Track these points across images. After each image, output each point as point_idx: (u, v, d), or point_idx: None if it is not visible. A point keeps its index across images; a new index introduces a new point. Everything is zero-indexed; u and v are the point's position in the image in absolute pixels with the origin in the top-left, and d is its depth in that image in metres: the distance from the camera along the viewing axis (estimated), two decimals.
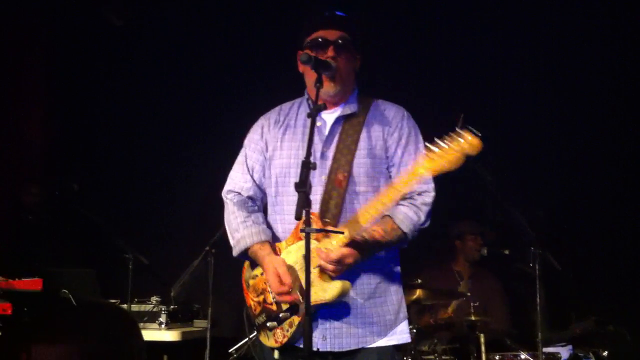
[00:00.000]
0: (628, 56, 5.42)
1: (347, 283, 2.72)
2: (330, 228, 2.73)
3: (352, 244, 2.69)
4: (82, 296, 4.63)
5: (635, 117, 5.42)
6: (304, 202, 2.40)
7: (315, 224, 2.70)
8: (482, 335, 4.68)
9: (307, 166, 2.46)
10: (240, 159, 3.09)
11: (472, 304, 4.81)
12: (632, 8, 5.27)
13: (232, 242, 3.00)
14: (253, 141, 3.06)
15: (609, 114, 5.50)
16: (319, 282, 2.72)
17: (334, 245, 2.69)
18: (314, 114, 2.63)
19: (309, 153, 2.51)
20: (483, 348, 4.67)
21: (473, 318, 4.76)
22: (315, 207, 2.77)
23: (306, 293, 2.41)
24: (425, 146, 2.55)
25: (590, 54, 5.49)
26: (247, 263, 2.98)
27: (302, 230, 2.45)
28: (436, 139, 2.50)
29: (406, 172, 2.62)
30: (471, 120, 4.71)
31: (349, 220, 2.71)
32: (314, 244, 2.72)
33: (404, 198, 2.82)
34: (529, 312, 4.70)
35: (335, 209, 2.79)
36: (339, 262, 2.68)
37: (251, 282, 2.93)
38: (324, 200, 2.80)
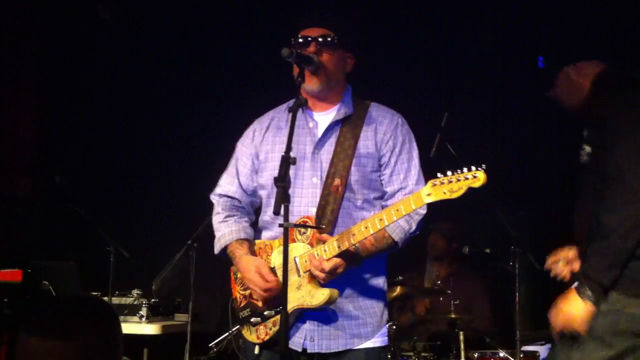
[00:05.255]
0: (625, 57, 5.43)
1: (335, 291, 2.75)
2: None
3: (343, 253, 2.71)
4: (63, 288, 4.63)
5: None
6: (282, 197, 2.41)
7: (310, 229, 2.75)
8: (461, 332, 4.71)
9: (286, 161, 2.47)
10: (231, 162, 3.13)
11: (452, 302, 4.84)
12: (632, 8, 5.28)
13: (215, 240, 3.06)
14: (244, 145, 3.10)
15: None
16: (307, 286, 2.75)
17: (327, 253, 2.71)
18: (294, 109, 2.64)
19: (288, 148, 2.52)
20: (462, 346, 4.70)
21: (453, 316, 4.79)
22: (312, 212, 2.81)
23: (283, 288, 2.42)
24: (435, 175, 2.57)
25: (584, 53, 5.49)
26: None
27: (280, 225, 2.46)
28: (447, 171, 2.55)
29: (411, 196, 2.62)
30: (456, 120, 4.74)
31: (344, 232, 2.72)
32: (306, 248, 2.76)
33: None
34: (508, 310, 4.73)
35: (331, 214, 2.81)
36: (330, 272, 2.71)
37: (239, 274, 2.95)
38: (321, 206, 2.81)
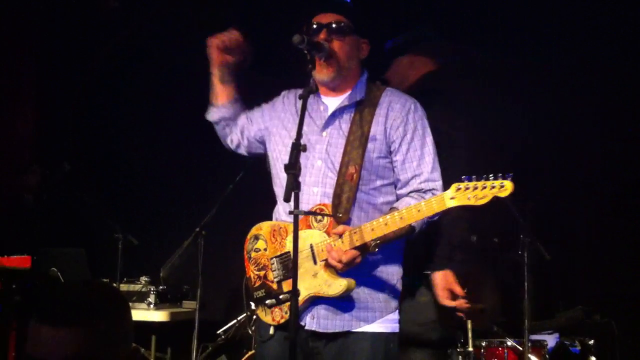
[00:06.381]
0: (626, 53, 5.41)
1: (352, 282, 2.75)
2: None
3: (361, 246, 2.70)
4: (71, 275, 4.65)
5: (625, 111, 5.42)
6: (292, 184, 2.40)
7: (328, 217, 2.75)
8: (469, 321, 4.70)
9: (297, 148, 2.46)
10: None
11: None
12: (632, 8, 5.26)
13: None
14: (267, 102, 3.16)
15: (600, 108, 5.49)
16: (324, 275, 2.75)
17: (344, 245, 2.70)
18: (304, 96, 2.63)
19: (299, 135, 2.51)
20: (470, 334, 4.69)
21: None
22: (328, 200, 2.80)
23: (293, 276, 2.42)
24: (460, 179, 2.57)
25: (585, 50, 5.48)
26: (250, 234, 3.00)
27: (290, 212, 2.46)
28: (473, 177, 2.56)
29: (434, 198, 2.62)
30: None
31: (362, 227, 2.70)
32: (323, 237, 2.75)
33: (413, 190, 2.86)
34: (516, 300, 4.72)
35: (347, 203, 2.80)
36: (348, 263, 2.71)
37: (253, 254, 2.96)
38: (336, 194, 2.80)
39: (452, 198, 2.56)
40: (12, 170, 6.13)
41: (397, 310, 2.92)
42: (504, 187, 2.49)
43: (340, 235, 2.71)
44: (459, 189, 2.55)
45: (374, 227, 2.68)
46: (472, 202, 2.53)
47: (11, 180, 6.10)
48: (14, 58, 6.40)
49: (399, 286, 2.93)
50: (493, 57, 5.58)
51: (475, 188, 2.52)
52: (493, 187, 2.50)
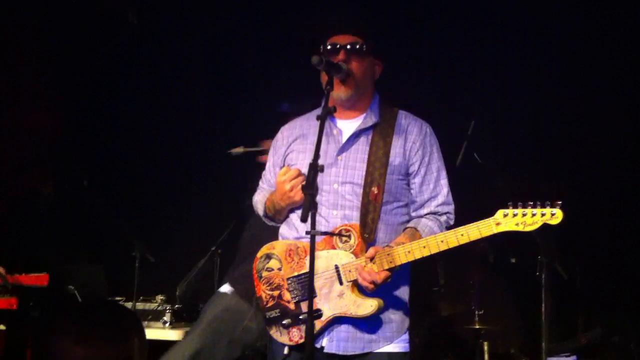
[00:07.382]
0: (626, 53, 5.37)
1: (381, 302, 2.76)
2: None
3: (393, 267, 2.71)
4: (89, 292, 4.66)
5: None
6: (310, 205, 2.40)
7: (356, 238, 2.76)
8: (486, 343, 4.67)
9: (314, 169, 2.47)
10: (265, 169, 3.20)
11: (477, 312, 4.79)
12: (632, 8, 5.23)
13: (260, 213, 3.15)
14: (271, 154, 3.16)
15: (623, 121, 5.46)
16: (351, 296, 2.76)
17: (376, 266, 2.71)
18: (323, 117, 2.64)
19: (316, 156, 2.52)
20: (487, 356, 4.65)
21: (477, 326, 4.74)
22: (348, 222, 2.81)
23: (309, 294, 2.41)
24: (507, 205, 2.60)
25: (600, 52, 5.45)
26: (260, 253, 2.99)
27: (307, 233, 2.46)
28: (519, 204, 2.57)
29: (480, 223, 2.63)
30: (481, 125, 4.71)
31: (398, 249, 2.71)
32: (350, 257, 2.76)
33: (429, 213, 2.90)
34: (534, 321, 4.69)
35: (372, 223, 2.82)
36: (380, 284, 2.71)
37: (264, 273, 2.94)
38: (363, 215, 2.82)
39: (498, 224, 2.58)
40: (30, 178, 6.15)
41: (408, 332, 2.92)
42: (555, 215, 2.52)
43: (372, 258, 2.71)
44: (506, 215, 2.57)
45: (411, 250, 2.69)
46: (520, 228, 2.56)
47: (25, 192, 6.12)
48: (38, 59, 6.43)
49: (408, 304, 2.95)
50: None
51: (524, 215, 2.55)
52: (543, 214, 2.53)
